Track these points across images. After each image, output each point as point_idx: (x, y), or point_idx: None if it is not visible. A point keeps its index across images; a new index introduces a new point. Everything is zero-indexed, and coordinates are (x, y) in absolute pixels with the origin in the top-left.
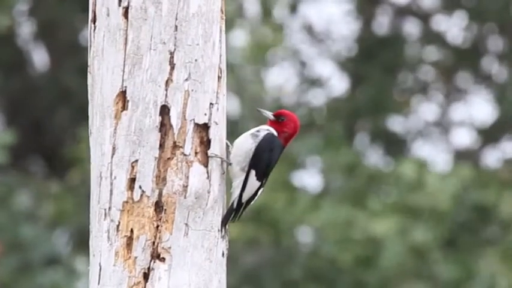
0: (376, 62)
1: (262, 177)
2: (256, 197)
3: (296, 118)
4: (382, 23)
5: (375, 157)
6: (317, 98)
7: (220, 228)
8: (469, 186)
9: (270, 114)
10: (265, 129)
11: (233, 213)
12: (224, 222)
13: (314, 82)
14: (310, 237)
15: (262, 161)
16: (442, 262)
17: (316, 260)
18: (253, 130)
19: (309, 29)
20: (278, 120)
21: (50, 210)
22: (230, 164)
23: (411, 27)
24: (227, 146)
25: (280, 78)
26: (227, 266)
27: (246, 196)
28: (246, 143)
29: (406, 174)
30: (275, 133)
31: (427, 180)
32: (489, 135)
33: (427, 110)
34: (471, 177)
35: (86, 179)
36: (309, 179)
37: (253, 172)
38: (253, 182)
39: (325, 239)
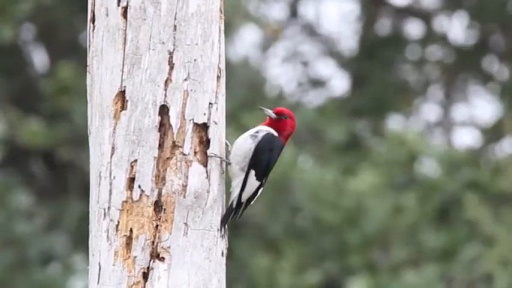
0: (377, 61)
1: (261, 177)
2: (256, 197)
3: (294, 117)
4: (383, 23)
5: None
6: (318, 97)
7: (219, 228)
8: (462, 164)
9: (271, 113)
10: (264, 130)
11: (233, 212)
12: (224, 221)
13: (315, 82)
14: (295, 194)
15: (262, 161)
16: (430, 231)
17: (299, 218)
18: (252, 131)
19: (309, 29)
20: (281, 119)
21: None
22: (229, 163)
23: (413, 27)
24: (226, 145)
25: (281, 77)
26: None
27: (245, 196)
28: (246, 144)
29: (405, 137)
30: (275, 133)
31: (409, 138)
32: (491, 135)
33: (428, 110)
34: (465, 157)
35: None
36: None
37: (252, 172)
38: (253, 182)
39: (310, 196)
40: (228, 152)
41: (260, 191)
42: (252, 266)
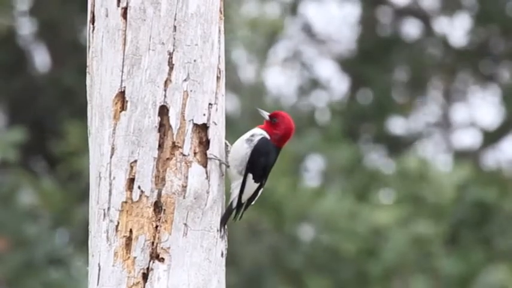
0: (377, 63)
1: (260, 178)
2: (256, 197)
3: (290, 120)
4: (383, 24)
5: (375, 158)
6: (319, 99)
7: (219, 228)
8: (470, 184)
9: (266, 115)
10: (259, 134)
11: (232, 213)
12: (223, 222)
13: (315, 84)
14: (313, 227)
15: (258, 165)
16: (444, 257)
17: (319, 250)
18: (248, 135)
19: (309, 31)
20: (271, 122)
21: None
22: (228, 166)
23: (412, 29)
24: (226, 145)
25: (281, 79)
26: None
27: (245, 197)
28: (242, 148)
29: (410, 168)
30: (268, 136)
31: (430, 173)
32: (491, 136)
33: (428, 111)
34: (472, 175)
35: (75, 174)
36: (310, 179)
37: (250, 175)
38: (252, 184)
39: (328, 228)
40: (227, 152)
41: (260, 191)
42: None
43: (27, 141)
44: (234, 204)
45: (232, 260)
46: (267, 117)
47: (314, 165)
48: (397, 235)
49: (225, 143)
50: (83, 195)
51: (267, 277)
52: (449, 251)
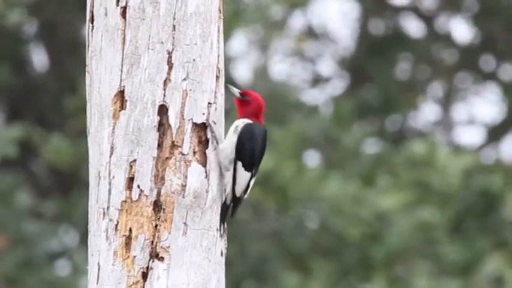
0: (378, 61)
1: (250, 166)
2: (248, 190)
3: (259, 97)
4: (384, 22)
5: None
6: (319, 96)
7: (218, 226)
8: (475, 172)
9: (236, 92)
10: (241, 122)
11: (228, 208)
12: (221, 219)
13: (316, 81)
14: (318, 211)
15: (245, 151)
16: (448, 244)
17: (323, 234)
18: (232, 127)
19: (309, 28)
20: (244, 100)
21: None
22: (217, 142)
23: (413, 26)
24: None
25: (282, 75)
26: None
27: (239, 190)
28: (230, 138)
29: (416, 152)
30: (249, 121)
31: (437, 158)
32: (493, 134)
33: (429, 109)
34: (476, 164)
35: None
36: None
37: (239, 163)
38: (243, 173)
39: (333, 213)
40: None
41: (252, 182)
42: (280, 284)
43: (24, 140)
44: (229, 199)
45: (235, 240)
46: (238, 95)
47: (321, 148)
48: (402, 220)
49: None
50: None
51: (271, 260)
52: (453, 238)
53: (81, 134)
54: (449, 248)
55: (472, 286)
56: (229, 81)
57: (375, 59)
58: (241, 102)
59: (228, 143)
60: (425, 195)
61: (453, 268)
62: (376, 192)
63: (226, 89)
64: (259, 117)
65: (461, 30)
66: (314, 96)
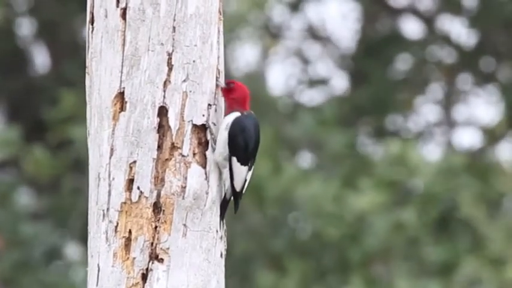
0: (377, 61)
1: (245, 160)
2: (246, 184)
3: (242, 84)
4: (383, 22)
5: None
6: (318, 97)
7: (218, 223)
8: (460, 173)
9: (222, 83)
10: (230, 117)
11: (228, 204)
12: (221, 216)
13: (315, 81)
14: (297, 211)
15: (238, 144)
16: (430, 245)
17: (301, 234)
18: (223, 124)
19: (309, 28)
20: (228, 87)
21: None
22: (215, 142)
23: (412, 27)
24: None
25: (281, 76)
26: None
27: (238, 184)
28: (222, 134)
29: (391, 151)
30: (238, 113)
31: (411, 156)
32: (491, 135)
33: (428, 110)
34: (463, 165)
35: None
36: (300, 157)
37: (234, 158)
38: (239, 168)
39: (311, 212)
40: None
41: (249, 176)
42: (256, 282)
43: (24, 141)
44: (228, 195)
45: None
46: (223, 84)
47: (305, 150)
48: (379, 221)
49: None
50: (75, 164)
51: (251, 259)
52: (436, 239)
53: (62, 146)
54: (430, 249)
55: (452, 287)
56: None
57: (373, 59)
58: (227, 91)
59: (219, 140)
60: (404, 196)
61: (434, 269)
62: (355, 193)
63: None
64: (245, 104)
65: (461, 31)
66: (313, 97)
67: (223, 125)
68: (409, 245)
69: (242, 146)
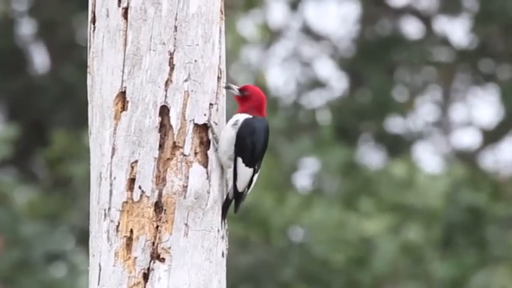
0: (376, 62)
1: (251, 162)
2: (252, 185)
3: (258, 89)
4: (383, 24)
5: (375, 158)
6: (318, 99)
7: (219, 226)
8: (462, 188)
9: (235, 89)
10: (241, 117)
11: (230, 204)
12: (223, 215)
13: (315, 83)
14: (302, 238)
15: (246, 147)
16: (437, 260)
17: (309, 261)
18: (232, 121)
19: (308, 30)
20: (242, 95)
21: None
22: (217, 141)
23: (412, 28)
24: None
25: (280, 78)
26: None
27: (241, 185)
28: (227, 132)
29: (397, 174)
30: (249, 116)
31: (417, 179)
32: (490, 136)
33: (427, 111)
34: (464, 178)
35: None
36: (301, 180)
37: (240, 159)
38: (244, 169)
39: (317, 239)
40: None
41: (255, 178)
42: None
43: (24, 141)
44: (231, 195)
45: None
46: (237, 92)
47: (306, 171)
48: (387, 243)
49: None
50: (73, 200)
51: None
52: (442, 254)
53: (56, 185)
54: (437, 265)
55: None
56: (231, 82)
57: (373, 61)
58: (241, 99)
59: (224, 137)
60: (408, 216)
61: (442, 285)
62: (359, 216)
63: (225, 89)
64: (262, 110)
65: (460, 32)
66: (313, 99)
67: (231, 121)
68: (416, 263)
69: (250, 148)
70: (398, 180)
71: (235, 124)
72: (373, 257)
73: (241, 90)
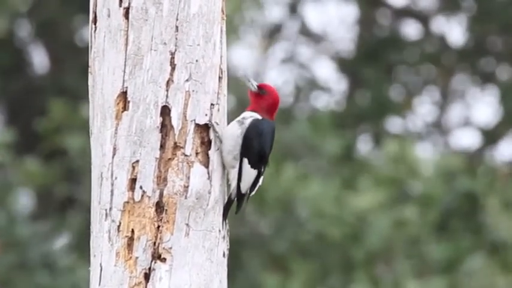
0: (376, 63)
1: (257, 164)
2: (256, 187)
3: (276, 93)
4: (381, 25)
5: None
6: (317, 100)
7: (221, 225)
8: (459, 174)
9: (254, 84)
10: (249, 116)
11: (232, 204)
12: (224, 215)
13: (314, 84)
14: (298, 211)
15: (253, 148)
16: (432, 243)
17: (304, 234)
18: (239, 117)
19: (307, 31)
20: (259, 93)
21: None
22: (221, 141)
23: (410, 28)
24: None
25: (279, 80)
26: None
27: (244, 186)
28: (234, 131)
29: (389, 150)
30: (259, 116)
31: (408, 154)
32: (489, 136)
33: (426, 111)
34: (461, 166)
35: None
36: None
37: (245, 160)
38: (249, 170)
39: (313, 214)
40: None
41: (260, 180)
42: (261, 284)
43: (24, 142)
44: (234, 196)
45: None
46: (255, 88)
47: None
48: (380, 219)
49: (218, 136)
50: (68, 173)
51: (250, 261)
52: (438, 237)
53: (53, 155)
54: (432, 247)
55: (456, 284)
56: (232, 83)
57: (372, 62)
58: (257, 96)
59: (230, 135)
60: (404, 195)
61: (437, 266)
62: (355, 193)
63: (243, 79)
64: (273, 114)
65: (459, 32)
66: (312, 101)
67: (238, 118)
68: (411, 243)
69: (256, 150)
70: (391, 155)
71: (242, 123)
72: (367, 233)
73: (259, 87)
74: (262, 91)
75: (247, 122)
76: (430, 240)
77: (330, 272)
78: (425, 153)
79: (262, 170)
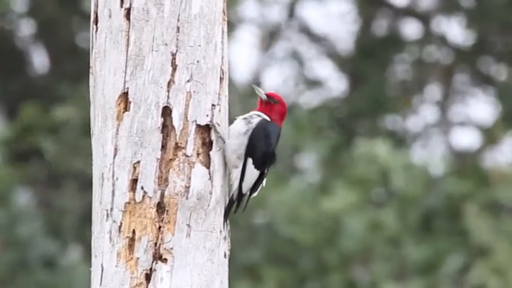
0: (375, 62)
1: (261, 165)
2: (259, 188)
3: (285, 103)
4: (381, 24)
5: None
6: (316, 98)
7: (222, 226)
8: (446, 176)
9: (263, 94)
10: (256, 116)
11: (233, 205)
12: (225, 215)
13: (313, 83)
14: (270, 217)
15: (258, 149)
16: (412, 245)
17: (276, 241)
18: (245, 115)
19: (307, 30)
20: (270, 102)
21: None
22: (224, 142)
23: (410, 28)
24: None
25: (278, 78)
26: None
27: (246, 186)
28: (239, 128)
29: (361, 151)
30: (267, 118)
31: (378, 154)
32: (489, 136)
33: (426, 111)
34: (447, 168)
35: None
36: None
37: (250, 160)
38: (252, 171)
39: (284, 219)
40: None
41: (264, 181)
42: None
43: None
44: (235, 196)
45: None
46: (264, 97)
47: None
48: (354, 221)
49: (221, 137)
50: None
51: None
52: (417, 239)
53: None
54: (411, 249)
55: (434, 286)
56: (232, 83)
57: (371, 61)
58: (266, 105)
59: (235, 133)
60: (380, 197)
61: (415, 268)
62: (329, 196)
63: (252, 89)
64: (281, 121)
65: (459, 32)
66: (311, 99)
67: (245, 116)
68: (389, 245)
69: (262, 151)
70: (362, 156)
71: (249, 122)
72: (341, 236)
73: (269, 96)
74: (274, 100)
75: (255, 121)
76: (410, 241)
77: (305, 277)
78: (416, 155)
79: (266, 171)
